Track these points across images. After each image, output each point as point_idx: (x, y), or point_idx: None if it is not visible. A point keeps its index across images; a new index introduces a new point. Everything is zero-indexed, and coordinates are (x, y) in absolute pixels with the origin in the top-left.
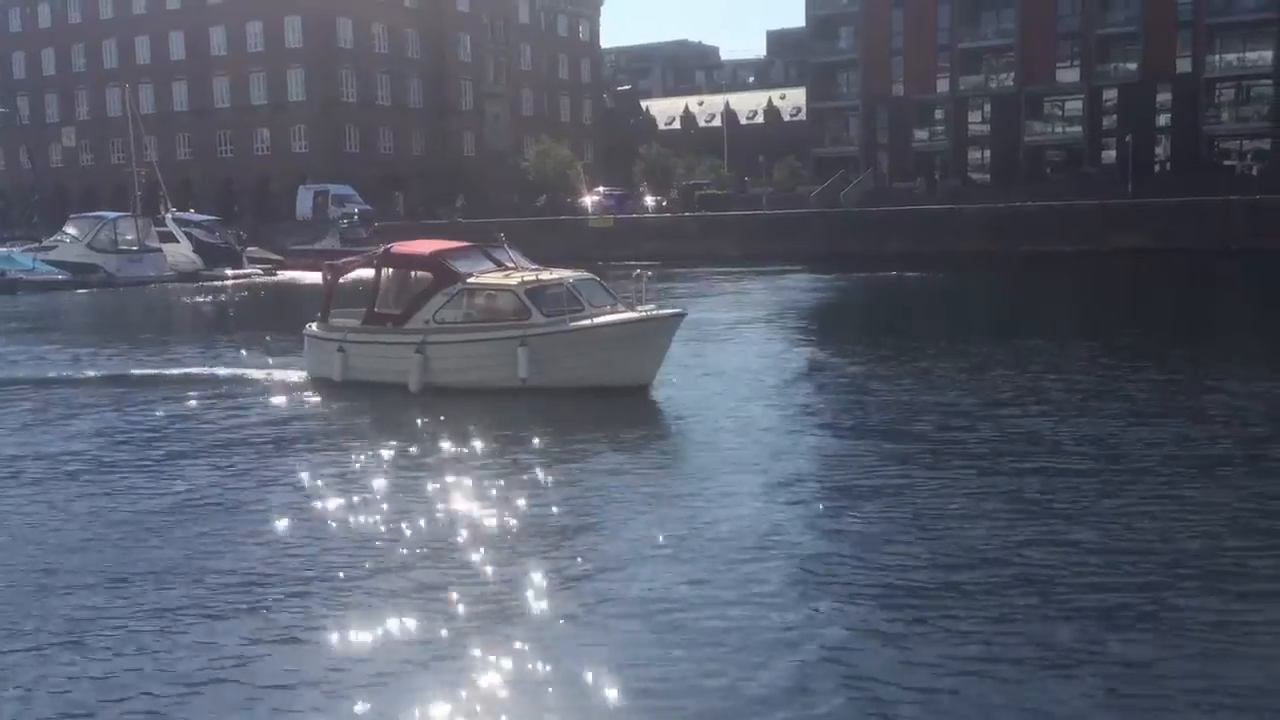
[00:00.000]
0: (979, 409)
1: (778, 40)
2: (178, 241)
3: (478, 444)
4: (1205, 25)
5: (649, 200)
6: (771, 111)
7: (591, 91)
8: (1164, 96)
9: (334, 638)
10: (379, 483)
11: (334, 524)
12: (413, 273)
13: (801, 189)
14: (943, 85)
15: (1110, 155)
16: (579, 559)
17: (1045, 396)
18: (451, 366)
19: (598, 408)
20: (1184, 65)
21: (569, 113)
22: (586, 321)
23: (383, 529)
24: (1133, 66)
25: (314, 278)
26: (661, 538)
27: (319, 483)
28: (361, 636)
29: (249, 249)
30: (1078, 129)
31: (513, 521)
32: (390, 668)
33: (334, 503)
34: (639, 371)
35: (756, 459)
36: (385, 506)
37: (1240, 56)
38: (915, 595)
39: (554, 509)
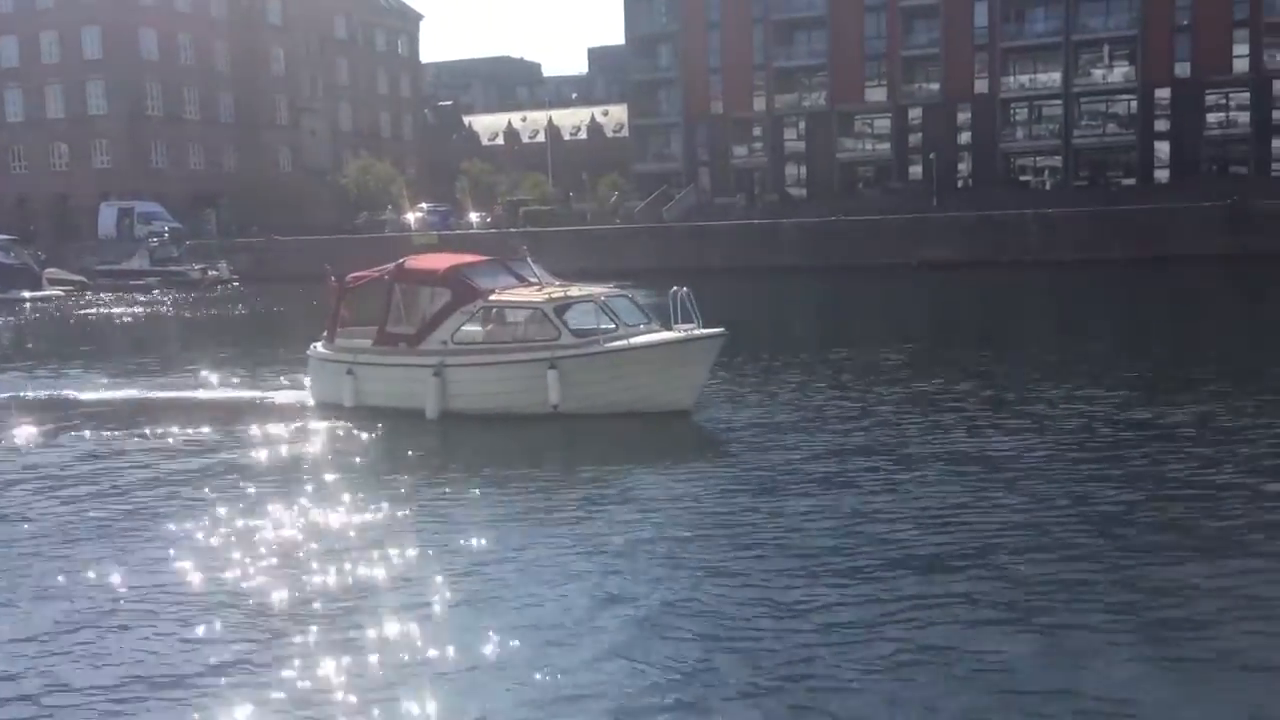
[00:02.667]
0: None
1: (599, 57)
2: None
3: (503, 477)
4: (1000, 48)
5: (473, 217)
6: (595, 128)
7: (412, 107)
8: (964, 115)
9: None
10: (391, 521)
11: (343, 567)
12: (428, 289)
13: (626, 205)
14: (759, 104)
15: (917, 171)
16: (624, 615)
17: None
18: (473, 391)
19: (636, 435)
20: (981, 86)
21: (389, 128)
22: (623, 342)
23: (396, 572)
24: (935, 87)
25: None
26: (723, 603)
27: (325, 520)
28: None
29: (48, 270)
30: (886, 146)
31: (542, 570)
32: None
33: (342, 544)
34: (679, 395)
35: (811, 489)
36: (398, 548)
37: (1032, 78)
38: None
39: (591, 553)
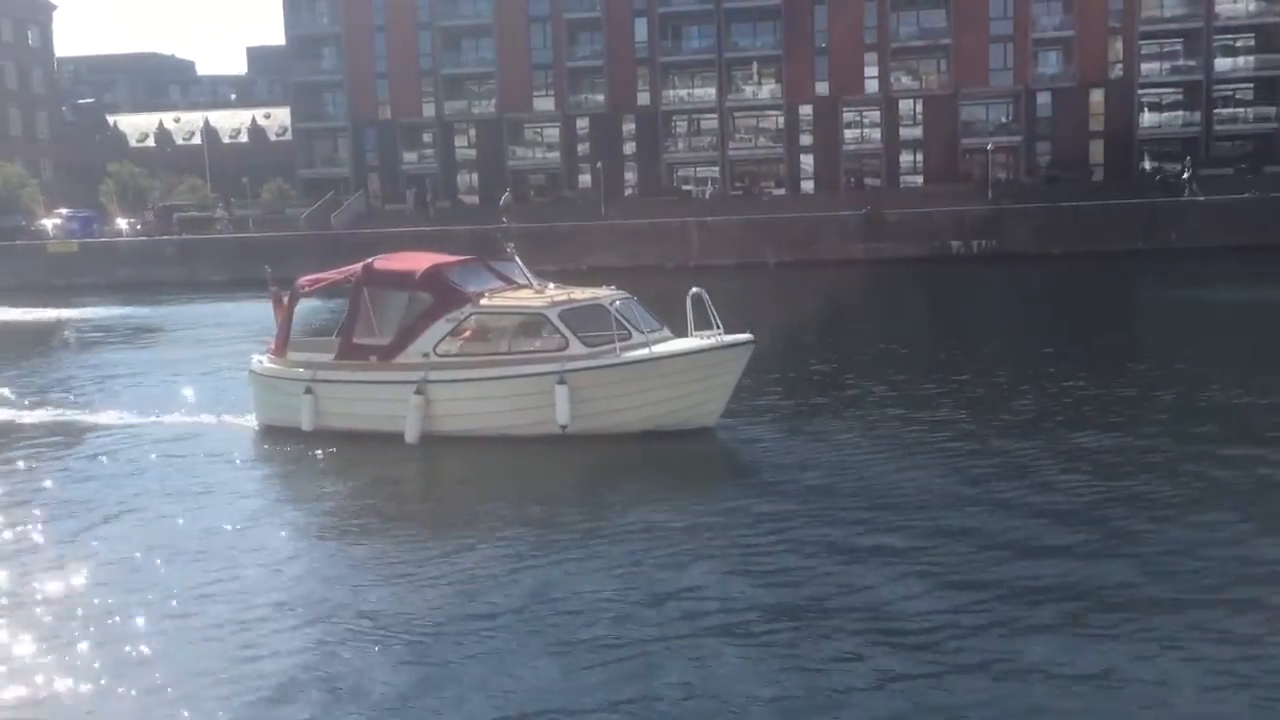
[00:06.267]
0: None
1: (259, 57)
2: None
3: (501, 513)
4: (660, 63)
5: (122, 223)
6: (256, 131)
7: (47, 103)
8: (629, 126)
9: None
10: (367, 567)
11: (298, 626)
12: (404, 293)
13: (291, 211)
14: (429, 109)
15: (587, 180)
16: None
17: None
18: (464, 411)
19: (658, 458)
20: (644, 98)
21: (20, 126)
22: (645, 352)
23: (376, 637)
24: (601, 98)
25: None
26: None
27: (282, 569)
28: None
29: None
30: (556, 155)
31: (550, 624)
32: None
33: (300, 597)
34: (705, 411)
35: (854, 517)
36: (378, 602)
37: (690, 92)
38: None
39: (610, 608)
